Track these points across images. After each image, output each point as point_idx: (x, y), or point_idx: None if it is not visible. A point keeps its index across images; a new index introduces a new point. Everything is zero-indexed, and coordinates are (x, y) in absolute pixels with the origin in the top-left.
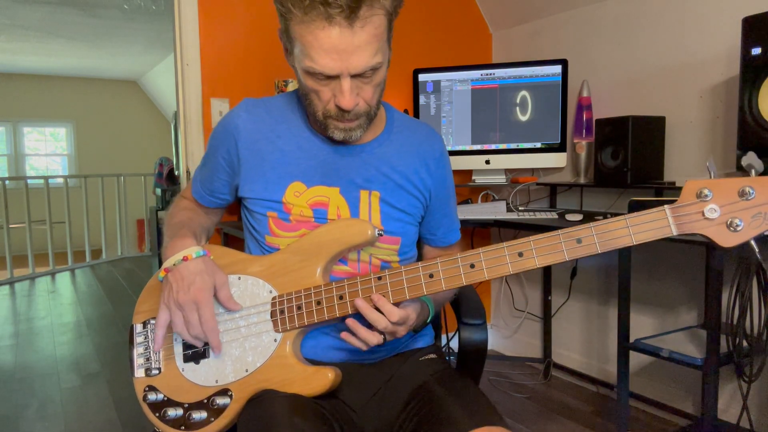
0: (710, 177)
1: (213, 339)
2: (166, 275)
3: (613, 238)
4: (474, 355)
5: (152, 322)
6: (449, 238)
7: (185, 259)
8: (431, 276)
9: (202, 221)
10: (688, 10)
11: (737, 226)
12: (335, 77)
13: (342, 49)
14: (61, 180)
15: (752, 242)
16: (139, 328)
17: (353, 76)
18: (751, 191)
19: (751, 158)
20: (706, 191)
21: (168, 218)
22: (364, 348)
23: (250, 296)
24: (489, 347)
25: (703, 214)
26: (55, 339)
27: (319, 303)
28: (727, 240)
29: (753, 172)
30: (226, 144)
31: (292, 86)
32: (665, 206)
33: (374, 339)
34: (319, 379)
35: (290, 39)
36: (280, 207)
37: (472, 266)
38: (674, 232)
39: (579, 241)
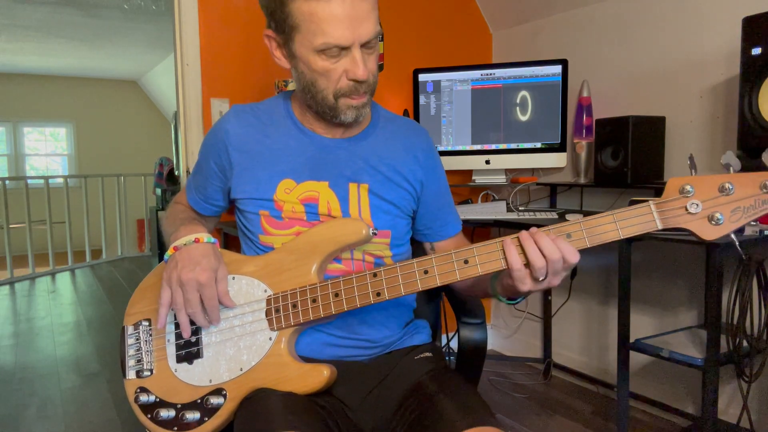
0: (692, 172)
1: (214, 316)
2: (174, 254)
3: (601, 233)
4: (474, 355)
5: (144, 323)
6: (446, 231)
7: (197, 240)
8: (426, 272)
9: (203, 224)
10: (688, 10)
11: (718, 220)
12: (346, 49)
13: (354, 16)
14: (61, 180)
15: (732, 235)
16: (130, 329)
17: (361, 47)
18: (730, 187)
19: (729, 157)
20: (688, 187)
21: (170, 216)
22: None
23: (244, 295)
24: (489, 347)
25: (686, 209)
26: (55, 339)
27: (314, 301)
28: (708, 233)
29: (731, 170)
30: (217, 149)
31: (291, 86)
32: (650, 201)
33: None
34: (315, 377)
35: (292, 26)
36: (271, 205)
37: (466, 262)
38: (659, 226)
39: (569, 236)
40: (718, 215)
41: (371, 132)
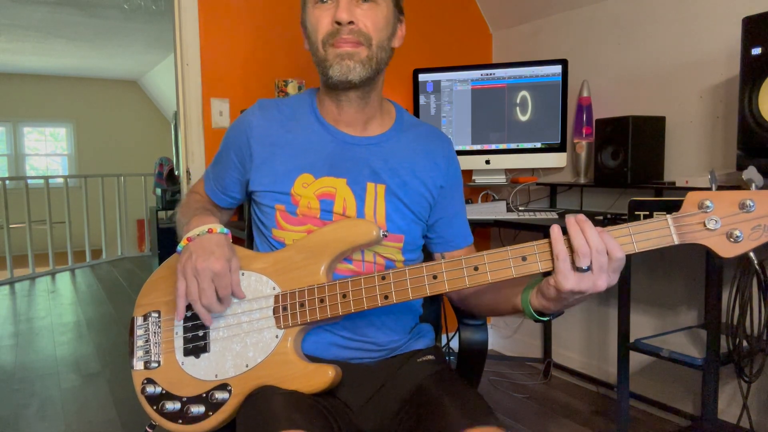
0: (712, 187)
1: (227, 305)
2: (187, 244)
3: None
4: (474, 356)
5: (153, 314)
6: (459, 242)
7: (210, 231)
8: (435, 277)
9: (215, 215)
10: (688, 10)
11: (737, 237)
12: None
13: None
14: (61, 180)
15: (751, 254)
16: (140, 320)
17: None
18: (751, 204)
19: (751, 173)
20: (707, 203)
21: (185, 206)
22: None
23: (252, 292)
24: (489, 347)
25: (705, 225)
26: (55, 339)
27: (322, 301)
28: (727, 251)
29: (753, 186)
30: (239, 141)
31: (291, 86)
32: (667, 216)
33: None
34: (320, 377)
35: None
36: (288, 199)
37: (476, 269)
38: (676, 241)
39: None
40: (737, 233)
41: (394, 134)
